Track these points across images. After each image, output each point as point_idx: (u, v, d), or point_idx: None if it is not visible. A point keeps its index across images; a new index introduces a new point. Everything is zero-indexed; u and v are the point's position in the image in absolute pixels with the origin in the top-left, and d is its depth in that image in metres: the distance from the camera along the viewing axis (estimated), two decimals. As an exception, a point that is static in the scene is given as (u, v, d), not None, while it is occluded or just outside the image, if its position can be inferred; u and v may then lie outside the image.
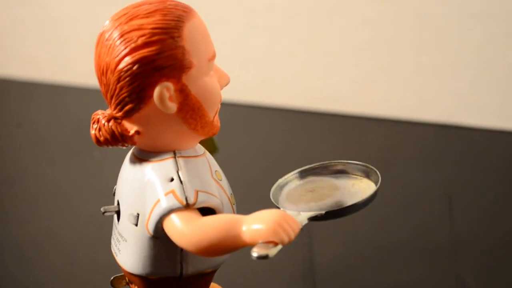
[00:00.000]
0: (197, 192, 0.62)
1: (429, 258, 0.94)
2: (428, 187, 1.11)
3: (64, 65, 1.52)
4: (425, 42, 1.32)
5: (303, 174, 0.70)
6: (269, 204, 0.66)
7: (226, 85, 0.67)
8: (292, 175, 0.70)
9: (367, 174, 0.69)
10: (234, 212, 0.67)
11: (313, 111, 1.36)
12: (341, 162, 0.70)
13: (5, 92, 1.48)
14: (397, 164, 1.18)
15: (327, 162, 0.70)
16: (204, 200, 0.62)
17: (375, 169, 0.68)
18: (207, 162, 0.66)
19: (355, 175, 0.69)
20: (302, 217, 0.62)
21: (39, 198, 1.10)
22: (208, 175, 0.65)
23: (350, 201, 0.65)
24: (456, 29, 1.30)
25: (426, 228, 1.00)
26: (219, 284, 0.75)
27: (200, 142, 0.70)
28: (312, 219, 0.63)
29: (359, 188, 0.68)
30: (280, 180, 0.69)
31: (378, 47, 1.34)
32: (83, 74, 1.48)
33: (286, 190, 0.69)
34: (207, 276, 0.67)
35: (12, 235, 1.01)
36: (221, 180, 0.66)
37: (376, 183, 0.67)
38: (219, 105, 0.66)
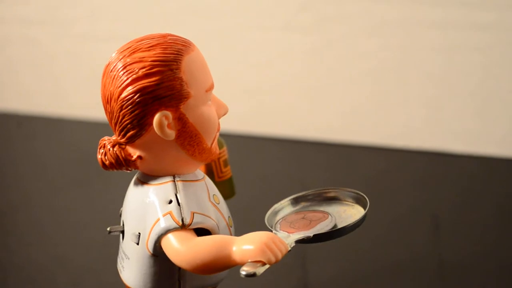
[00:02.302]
0: (193, 214, 0.65)
1: (418, 279, 0.96)
2: (417, 210, 1.13)
3: (60, 99, 1.55)
4: (411, 74, 1.34)
5: (297, 201, 0.73)
6: (264, 227, 0.69)
7: (224, 114, 0.70)
8: (286, 201, 0.73)
9: (357, 200, 0.71)
10: (231, 234, 0.70)
11: (306, 140, 1.39)
12: (333, 189, 0.73)
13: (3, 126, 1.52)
14: (386, 189, 1.20)
15: (320, 189, 0.73)
16: (199, 222, 0.65)
17: (364, 195, 0.71)
18: (206, 186, 0.69)
19: (347, 201, 0.72)
20: (291, 240, 0.65)
21: (43, 224, 1.13)
22: (206, 199, 0.67)
23: (341, 224, 0.68)
24: (440, 62, 1.31)
25: (415, 250, 1.02)
26: None
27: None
28: (300, 241, 0.65)
29: (350, 213, 0.70)
30: (275, 206, 0.72)
31: (367, 80, 1.36)
32: (79, 106, 1.52)
33: (280, 215, 0.72)
34: None
35: (19, 259, 1.04)
36: (218, 204, 0.69)
37: (364, 208, 0.69)
38: (217, 133, 0.69)
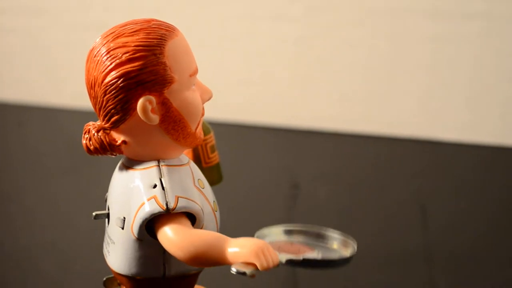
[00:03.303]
0: (177, 198, 0.65)
1: (403, 263, 0.96)
2: (406, 197, 1.14)
3: (51, 88, 1.56)
4: (401, 63, 1.35)
5: (288, 232, 0.72)
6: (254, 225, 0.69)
7: (208, 99, 0.70)
8: (277, 229, 0.72)
9: (345, 245, 0.70)
10: (216, 219, 0.70)
11: (296, 129, 1.40)
12: (322, 231, 0.72)
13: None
14: (376, 177, 1.21)
15: (311, 226, 0.72)
16: (184, 206, 0.65)
17: (352, 241, 0.70)
18: (190, 171, 0.69)
19: (334, 244, 0.71)
20: (282, 256, 0.65)
21: (32, 211, 1.14)
22: (191, 183, 0.68)
23: (328, 257, 0.68)
24: (430, 52, 1.33)
25: (402, 235, 1.03)
26: (203, 285, 0.78)
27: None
28: (289, 261, 0.65)
29: (337, 249, 0.70)
30: (264, 230, 0.71)
31: (356, 69, 1.38)
32: (72, 96, 1.54)
33: (268, 239, 0.71)
34: (190, 278, 0.70)
35: (8, 245, 1.04)
36: (203, 188, 0.69)
37: (352, 253, 0.68)
38: (202, 118, 0.69)
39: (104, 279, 0.74)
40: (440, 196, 1.14)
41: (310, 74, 1.40)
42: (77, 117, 1.47)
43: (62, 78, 1.54)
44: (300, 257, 0.66)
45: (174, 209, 0.64)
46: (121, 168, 0.70)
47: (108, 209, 0.70)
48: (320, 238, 0.71)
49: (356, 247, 0.69)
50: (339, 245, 0.70)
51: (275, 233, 0.71)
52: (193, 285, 0.72)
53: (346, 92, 1.39)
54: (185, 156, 0.71)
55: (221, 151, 0.81)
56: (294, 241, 0.71)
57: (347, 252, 0.69)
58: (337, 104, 1.39)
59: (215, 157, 0.79)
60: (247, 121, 1.42)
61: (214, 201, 0.71)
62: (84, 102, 1.49)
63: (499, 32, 1.28)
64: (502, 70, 1.31)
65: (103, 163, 1.15)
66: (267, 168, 1.25)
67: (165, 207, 0.64)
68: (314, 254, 0.68)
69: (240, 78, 1.43)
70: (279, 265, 0.64)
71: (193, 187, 0.68)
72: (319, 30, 1.37)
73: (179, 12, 1.41)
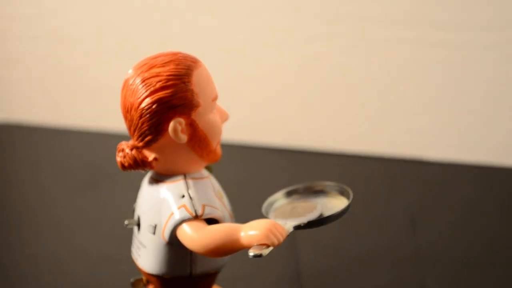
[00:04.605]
0: (204, 206, 0.72)
1: (396, 267, 1.02)
2: (395, 210, 1.18)
3: (66, 111, 1.59)
4: (392, 88, 1.39)
5: (289, 193, 0.80)
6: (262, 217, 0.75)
7: (225, 121, 0.78)
8: (279, 193, 0.80)
9: (342, 193, 0.78)
10: (233, 223, 0.76)
11: (296, 149, 1.44)
12: (320, 183, 0.80)
13: (19, 137, 1.57)
14: (368, 192, 1.25)
15: (308, 182, 0.80)
16: (210, 212, 0.73)
17: (348, 188, 0.78)
18: (211, 183, 0.77)
19: (332, 194, 0.79)
20: (289, 226, 0.72)
21: (61, 222, 1.19)
22: (212, 193, 0.75)
23: (327, 213, 0.75)
24: (418, 80, 1.37)
25: (393, 242, 1.07)
26: (221, 285, 0.86)
27: None
28: (297, 227, 0.72)
29: (334, 204, 0.77)
30: (270, 198, 0.79)
31: (352, 93, 1.41)
32: (83, 118, 1.58)
33: (274, 206, 0.79)
34: (212, 276, 0.78)
35: (40, 252, 1.09)
36: (222, 198, 0.77)
37: (348, 199, 0.76)
38: (220, 137, 0.77)
39: (132, 280, 0.80)
40: (428, 209, 1.18)
41: (308, 98, 1.44)
42: (91, 138, 1.53)
43: (76, 101, 1.59)
44: (304, 220, 0.72)
45: (202, 215, 0.72)
46: (150, 182, 0.77)
47: (138, 218, 0.77)
48: (318, 192, 0.78)
49: (352, 195, 0.75)
50: (336, 193, 0.77)
51: (278, 198, 0.79)
52: (213, 282, 0.79)
53: (342, 114, 1.42)
54: (205, 170, 0.78)
55: (224, 168, 0.86)
56: (295, 203, 0.78)
57: (344, 201, 0.75)
58: (334, 125, 1.42)
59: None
60: (249, 141, 1.46)
61: (231, 209, 0.79)
62: (95, 123, 1.55)
63: (481, 58, 1.33)
64: (483, 94, 1.35)
65: (118, 179, 1.22)
66: (269, 185, 1.24)
67: (194, 214, 0.72)
68: (316, 213, 0.74)
69: (244, 100, 1.47)
70: (288, 235, 0.71)
71: (214, 197, 0.75)
72: (318, 57, 1.41)
73: (189, 40, 1.45)
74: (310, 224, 0.73)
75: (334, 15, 1.39)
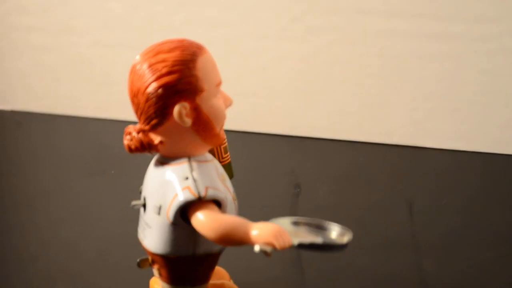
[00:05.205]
0: (207, 188, 0.74)
1: (393, 249, 1.03)
2: (394, 197, 1.19)
3: (74, 100, 1.61)
4: (391, 79, 1.40)
5: (293, 223, 0.79)
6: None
7: (229, 105, 0.79)
8: (284, 219, 0.78)
9: (342, 234, 0.77)
10: (235, 206, 0.80)
11: (296, 136, 1.46)
12: (324, 221, 0.79)
13: (27, 126, 1.59)
14: (368, 178, 1.26)
15: (314, 219, 0.79)
16: (213, 194, 0.74)
17: (348, 229, 0.77)
18: (215, 166, 0.79)
19: (333, 231, 0.78)
20: (294, 240, 0.72)
21: (69, 206, 1.20)
22: (215, 176, 0.77)
23: (330, 242, 0.74)
24: (416, 69, 1.38)
25: (391, 225, 1.09)
26: (222, 267, 0.89)
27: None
28: (300, 244, 0.72)
29: (336, 239, 0.76)
30: (273, 222, 0.77)
31: (351, 84, 1.42)
32: (87, 109, 1.60)
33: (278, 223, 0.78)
34: (214, 256, 0.80)
35: (49, 236, 1.11)
36: (225, 181, 0.79)
37: (348, 240, 0.75)
38: (224, 122, 0.78)
39: (138, 260, 0.82)
40: (424, 194, 1.20)
41: (310, 88, 1.45)
42: (100, 125, 1.54)
43: (83, 91, 1.60)
44: (308, 240, 0.73)
45: (204, 197, 0.73)
46: (156, 164, 0.79)
47: (144, 199, 0.79)
48: (321, 229, 0.78)
49: (351, 236, 0.76)
50: (337, 235, 0.77)
51: (283, 223, 0.78)
52: (216, 262, 0.81)
53: (341, 104, 1.43)
54: (209, 154, 0.80)
55: (231, 155, 0.88)
56: (298, 228, 0.78)
57: (344, 240, 0.76)
58: (334, 114, 1.43)
59: (228, 157, 0.88)
60: (252, 130, 1.48)
61: (233, 191, 0.81)
62: (101, 113, 1.57)
63: (477, 49, 1.34)
64: (479, 86, 1.36)
65: (124, 164, 1.25)
66: (272, 170, 1.30)
67: (197, 195, 0.73)
68: (319, 239, 0.74)
69: (247, 91, 1.48)
70: (292, 246, 0.72)
71: (217, 179, 0.77)
72: (318, 48, 1.41)
73: (193, 33, 1.45)
74: (312, 247, 0.74)
75: (334, 8, 1.39)
